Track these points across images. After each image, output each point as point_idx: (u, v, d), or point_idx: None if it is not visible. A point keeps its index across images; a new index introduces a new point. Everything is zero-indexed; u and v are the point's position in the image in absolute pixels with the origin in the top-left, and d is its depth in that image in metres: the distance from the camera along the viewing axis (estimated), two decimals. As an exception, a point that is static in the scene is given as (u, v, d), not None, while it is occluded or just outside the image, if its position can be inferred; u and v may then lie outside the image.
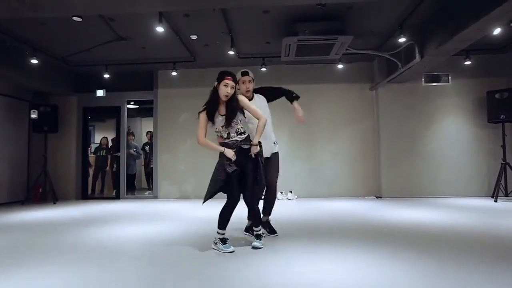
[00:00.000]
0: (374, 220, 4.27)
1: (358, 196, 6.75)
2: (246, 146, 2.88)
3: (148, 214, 5.14)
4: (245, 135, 2.91)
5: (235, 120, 2.88)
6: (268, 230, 3.39)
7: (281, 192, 6.61)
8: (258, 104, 3.26)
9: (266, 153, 3.21)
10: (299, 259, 2.65)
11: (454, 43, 4.63)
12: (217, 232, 2.91)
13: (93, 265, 2.59)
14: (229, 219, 2.93)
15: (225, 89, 2.81)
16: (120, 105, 7.47)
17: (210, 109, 2.87)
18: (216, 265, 2.53)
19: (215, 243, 2.91)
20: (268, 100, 3.41)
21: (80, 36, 5.38)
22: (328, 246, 3.03)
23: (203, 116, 2.88)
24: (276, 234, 3.36)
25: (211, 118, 2.88)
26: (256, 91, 3.40)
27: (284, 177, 7.50)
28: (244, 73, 3.27)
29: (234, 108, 2.85)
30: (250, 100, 3.23)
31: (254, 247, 2.91)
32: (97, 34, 5.32)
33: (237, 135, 2.87)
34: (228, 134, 2.87)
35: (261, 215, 3.19)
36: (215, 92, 2.88)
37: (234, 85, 2.85)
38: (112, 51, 6.08)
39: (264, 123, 2.91)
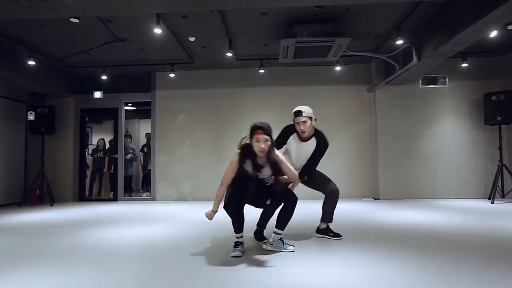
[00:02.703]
0: (372, 222, 4.27)
1: (355, 198, 6.76)
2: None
3: (146, 216, 5.12)
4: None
5: (268, 178, 2.84)
6: (332, 234, 3.34)
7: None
8: (307, 149, 3.20)
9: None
10: (298, 261, 2.65)
11: (451, 45, 4.66)
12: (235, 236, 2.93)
13: (91, 267, 2.58)
14: (239, 223, 2.88)
15: (258, 145, 2.65)
16: (118, 107, 7.46)
17: (245, 157, 2.76)
18: (215, 268, 2.52)
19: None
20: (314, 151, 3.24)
21: (78, 37, 5.38)
22: (326, 248, 3.03)
23: (236, 159, 2.73)
24: (341, 237, 3.30)
25: (243, 162, 2.76)
26: (319, 137, 3.23)
27: (282, 179, 7.53)
28: (298, 113, 3.12)
29: (273, 164, 2.70)
30: (307, 139, 3.18)
31: (290, 251, 2.90)
32: (95, 36, 5.31)
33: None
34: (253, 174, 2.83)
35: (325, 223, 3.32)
36: (250, 143, 2.73)
37: (268, 137, 2.67)
38: (109, 53, 6.07)
39: (294, 182, 2.97)
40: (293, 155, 3.29)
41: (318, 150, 3.21)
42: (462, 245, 3.05)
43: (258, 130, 2.67)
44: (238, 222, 2.87)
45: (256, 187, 2.80)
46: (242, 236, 2.92)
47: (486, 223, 4.07)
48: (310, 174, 3.21)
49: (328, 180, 3.36)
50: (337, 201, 3.35)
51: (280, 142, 3.24)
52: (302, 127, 3.13)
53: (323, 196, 3.46)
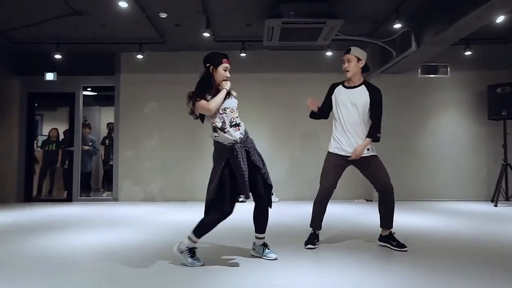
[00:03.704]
0: (364, 226, 4.36)
1: (346, 200, 6.87)
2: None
3: (106, 219, 5.05)
4: (242, 130, 2.87)
5: (230, 107, 2.86)
6: (395, 243, 3.25)
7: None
8: (357, 95, 3.28)
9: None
10: (278, 271, 2.67)
11: (453, 31, 4.77)
12: (189, 238, 2.76)
13: (38, 280, 2.52)
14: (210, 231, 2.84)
15: (225, 74, 2.86)
16: (75, 92, 7.29)
17: (205, 95, 2.81)
18: (185, 280, 2.51)
19: (182, 252, 2.78)
20: (370, 107, 3.30)
21: (26, 7, 5.18)
22: (312, 256, 3.07)
23: (203, 101, 2.77)
24: (405, 248, 3.19)
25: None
26: (369, 85, 3.36)
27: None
28: (346, 51, 3.37)
29: (228, 92, 2.88)
30: (355, 86, 3.34)
31: (271, 259, 2.90)
32: (47, 6, 5.13)
33: (231, 127, 2.81)
34: (223, 123, 2.81)
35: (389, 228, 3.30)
36: (209, 75, 2.85)
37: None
38: (65, 28, 5.90)
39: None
40: (341, 108, 3.32)
41: (374, 99, 3.29)
42: (461, 252, 3.15)
43: (226, 58, 2.88)
44: (215, 226, 2.80)
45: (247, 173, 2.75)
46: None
47: (488, 228, 4.22)
48: (378, 134, 3.29)
49: (386, 173, 3.37)
50: (393, 199, 3.33)
51: (325, 99, 3.53)
52: (345, 65, 3.32)
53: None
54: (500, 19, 4.70)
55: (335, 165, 3.35)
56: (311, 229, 3.42)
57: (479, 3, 4.01)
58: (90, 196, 7.74)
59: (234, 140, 2.78)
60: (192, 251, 2.78)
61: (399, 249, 3.20)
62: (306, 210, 5.29)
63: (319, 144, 7.10)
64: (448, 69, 6.92)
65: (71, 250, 3.31)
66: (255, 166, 2.82)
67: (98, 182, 9.40)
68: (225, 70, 2.86)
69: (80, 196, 7.30)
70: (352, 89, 3.36)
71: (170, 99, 7.11)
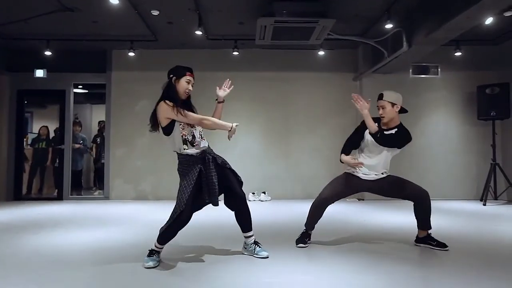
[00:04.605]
0: (356, 225, 4.40)
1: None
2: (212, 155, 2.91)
3: (97, 217, 5.02)
4: (205, 139, 2.94)
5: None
6: (435, 243, 3.26)
7: (253, 193, 6.65)
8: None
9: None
10: (270, 269, 2.69)
11: (444, 31, 4.82)
12: (156, 247, 2.79)
13: (26, 278, 2.50)
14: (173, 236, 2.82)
15: (188, 86, 2.90)
16: (65, 89, 7.24)
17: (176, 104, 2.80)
18: (176, 278, 2.51)
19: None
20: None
21: (16, 2, 5.11)
22: (303, 254, 3.09)
23: (178, 109, 2.76)
24: (447, 248, 3.20)
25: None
26: (401, 128, 3.36)
27: (257, 177, 7.60)
28: (378, 96, 3.33)
29: (192, 105, 2.98)
30: (389, 128, 3.30)
31: (262, 257, 2.92)
32: (37, 2, 5.07)
33: (202, 138, 2.88)
34: (193, 136, 2.83)
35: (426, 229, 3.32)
36: (172, 87, 2.88)
37: (193, 82, 2.96)
38: (55, 24, 5.84)
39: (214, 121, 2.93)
40: (372, 146, 3.30)
41: (397, 134, 3.30)
42: (450, 251, 3.19)
43: (190, 72, 2.95)
44: (175, 233, 2.81)
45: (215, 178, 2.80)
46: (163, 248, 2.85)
47: (477, 226, 4.29)
48: (382, 137, 3.25)
49: (408, 183, 3.39)
50: (429, 203, 3.33)
51: (358, 130, 3.47)
52: (380, 112, 3.33)
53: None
54: (489, 20, 4.76)
55: (347, 185, 3.36)
56: (304, 228, 3.43)
57: (470, 3, 4.06)
58: (81, 195, 7.69)
59: (203, 148, 2.85)
60: (152, 252, 2.77)
61: (441, 248, 3.21)
62: (298, 208, 5.30)
63: (312, 142, 7.13)
64: (439, 69, 7.00)
65: (62, 248, 3.29)
66: (227, 168, 2.93)
67: (90, 181, 9.34)
68: (188, 83, 2.90)
69: (71, 195, 7.25)
70: (385, 132, 3.33)
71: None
